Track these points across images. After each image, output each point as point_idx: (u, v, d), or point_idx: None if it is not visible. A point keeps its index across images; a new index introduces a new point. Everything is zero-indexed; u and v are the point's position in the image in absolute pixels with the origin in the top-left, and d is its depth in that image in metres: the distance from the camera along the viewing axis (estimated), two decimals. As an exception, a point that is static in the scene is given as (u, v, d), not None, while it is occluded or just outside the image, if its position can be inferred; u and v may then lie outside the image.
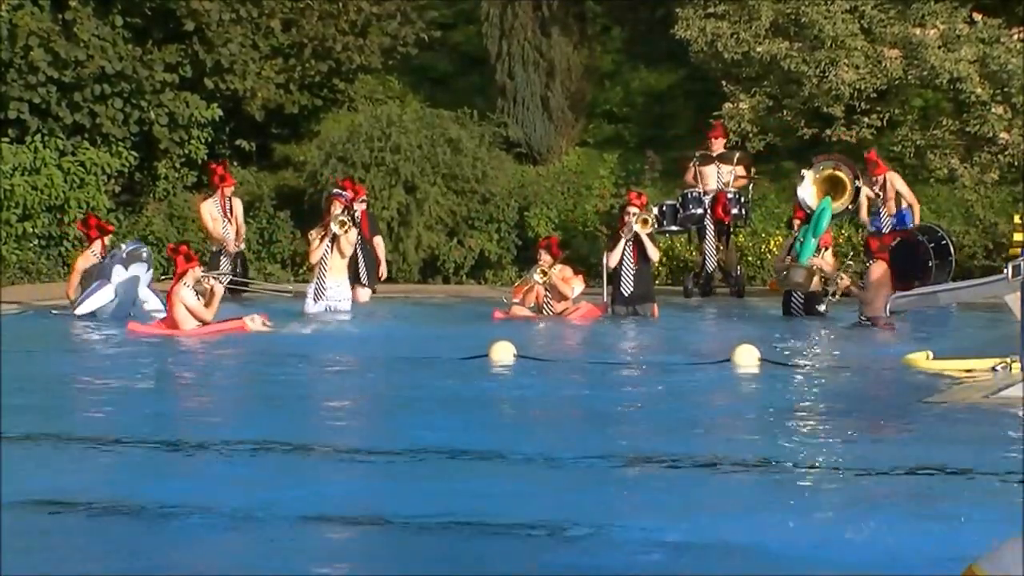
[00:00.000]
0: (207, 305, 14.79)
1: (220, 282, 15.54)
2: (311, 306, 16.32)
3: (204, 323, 14.65)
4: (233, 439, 8.88)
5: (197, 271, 14.79)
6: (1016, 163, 18.87)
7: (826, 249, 15.06)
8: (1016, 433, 8.91)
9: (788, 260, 15.31)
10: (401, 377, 11.90)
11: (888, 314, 13.14)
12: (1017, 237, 17.52)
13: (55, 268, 20.15)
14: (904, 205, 17.10)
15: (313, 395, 11.22)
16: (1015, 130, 18.75)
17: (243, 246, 18.51)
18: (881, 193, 17.03)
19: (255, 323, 14.90)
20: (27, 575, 5.65)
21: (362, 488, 7.69)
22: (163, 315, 15.02)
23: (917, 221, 17.21)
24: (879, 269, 14.65)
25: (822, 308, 15.01)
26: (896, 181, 17.21)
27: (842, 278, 14.75)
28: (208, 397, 11.21)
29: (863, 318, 14.47)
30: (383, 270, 18.13)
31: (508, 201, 20.54)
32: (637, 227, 15.87)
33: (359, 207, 17.36)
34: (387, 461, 8.22)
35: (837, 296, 14.87)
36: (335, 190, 17.42)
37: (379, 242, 18.18)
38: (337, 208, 16.51)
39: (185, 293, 14.64)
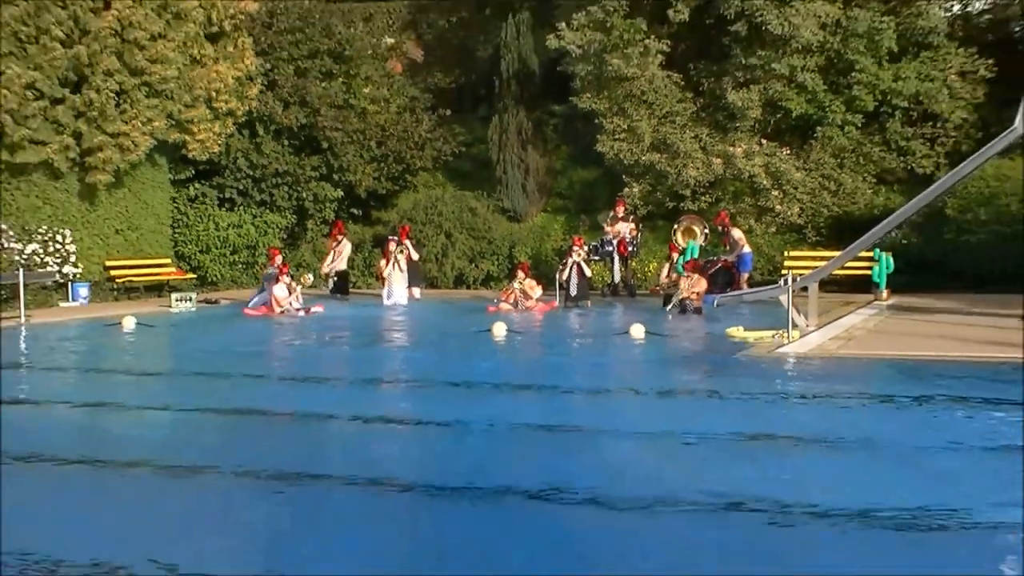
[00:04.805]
0: (288, 295, 14.78)
1: (302, 285, 15.76)
2: (385, 301, 16.44)
3: (280, 308, 14.61)
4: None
5: (285, 278, 14.85)
6: (785, 223, 18.92)
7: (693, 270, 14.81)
8: (786, 375, 8.86)
9: (674, 276, 14.91)
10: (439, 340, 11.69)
11: (716, 306, 12.83)
12: (786, 263, 17.57)
13: (249, 281, 20.26)
14: (745, 249, 16.83)
15: (384, 356, 10.99)
16: (783, 205, 18.79)
17: (334, 268, 17.96)
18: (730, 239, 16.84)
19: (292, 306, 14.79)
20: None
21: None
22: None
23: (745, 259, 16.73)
24: (704, 281, 14.46)
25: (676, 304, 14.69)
26: (738, 234, 16.97)
27: (682, 290, 14.33)
28: (311, 363, 10.21)
29: (691, 308, 14.05)
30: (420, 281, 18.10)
31: (503, 243, 20.44)
32: (576, 256, 16.03)
33: (396, 247, 17.06)
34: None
35: (678, 300, 14.34)
36: (390, 236, 17.61)
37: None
38: (393, 244, 16.79)
39: (276, 288, 14.71)
